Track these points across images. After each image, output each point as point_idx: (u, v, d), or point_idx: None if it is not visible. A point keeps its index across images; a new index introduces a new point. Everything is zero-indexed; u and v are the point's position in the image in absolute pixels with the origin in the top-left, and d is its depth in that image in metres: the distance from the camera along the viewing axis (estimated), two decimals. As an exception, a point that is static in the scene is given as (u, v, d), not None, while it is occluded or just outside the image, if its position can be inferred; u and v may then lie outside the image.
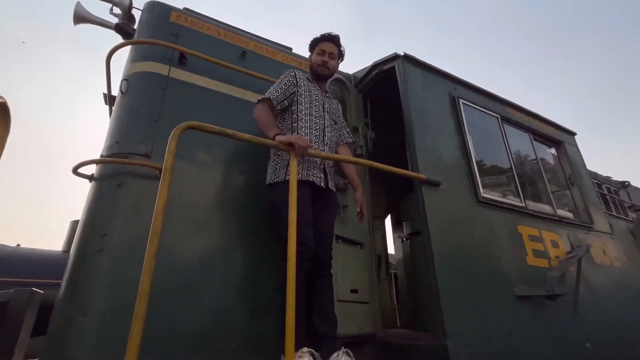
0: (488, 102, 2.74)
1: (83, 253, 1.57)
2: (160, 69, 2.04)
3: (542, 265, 2.28)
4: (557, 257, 2.41)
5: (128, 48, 2.24)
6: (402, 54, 2.39)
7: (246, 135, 1.50)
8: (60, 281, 1.63)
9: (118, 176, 1.72)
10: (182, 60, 2.11)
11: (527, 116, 3.05)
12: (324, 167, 1.88)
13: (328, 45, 2.05)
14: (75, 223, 4.94)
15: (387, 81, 2.70)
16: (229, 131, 1.46)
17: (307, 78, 2.07)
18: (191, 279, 1.68)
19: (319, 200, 1.83)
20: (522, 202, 2.41)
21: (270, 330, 1.79)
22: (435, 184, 2.00)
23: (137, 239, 1.62)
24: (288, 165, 1.64)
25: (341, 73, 2.81)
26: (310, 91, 2.00)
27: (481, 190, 2.20)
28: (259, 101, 1.87)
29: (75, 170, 1.75)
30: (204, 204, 1.85)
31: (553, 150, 3.24)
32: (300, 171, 1.75)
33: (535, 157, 2.86)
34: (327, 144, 1.94)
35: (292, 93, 1.93)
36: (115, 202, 1.67)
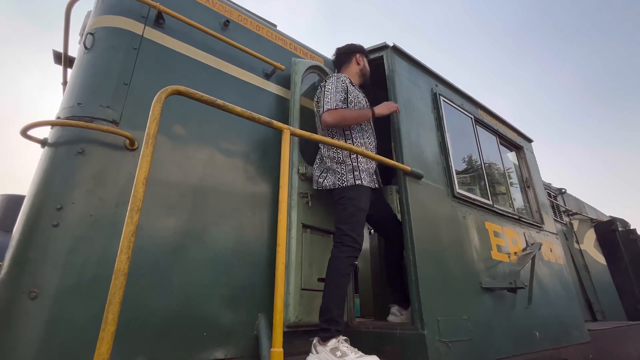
0: (464, 103, 2.84)
1: (33, 228, 1.35)
2: (133, 26, 1.81)
3: (503, 259, 2.43)
4: (515, 252, 2.59)
5: (92, -1, 1.96)
6: (392, 44, 2.37)
7: (237, 108, 1.37)
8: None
9: (80, 143, 1.50)
10: (159, 21, 1.89)
11: (495, 120, 3.22)
12: (377, 169, 2.10)
13: None
14: (4, 197, 4.35)
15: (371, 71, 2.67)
16: (220, 102, 1.32)
17: (350, 82, 2.12)
18: (159, 260, 1.53)
19: (379, 199, 2.11)
20: (489, 200, 2.54)
21: (245, 320, 1.70)
22: (418, 177, 2.02)
23: (101, 213, 1.44)
24: (354, 170, 1.91)
25: (325, 58, 2.73)
26: (358, 96, 2.08)
27: (456, 186, 2.27)
28: (326, 112, 1.92)
29: (24, 132, 1.49)
30: (176, 181, 1.69)
31: (513, 154, 3.47)
32: (367, 178, 1.93)
33: (500, 159, 3.03)
34: (376, 145, 2.16)
35: (343, 100, 2.01)
36: (75, 172, 1.45)
